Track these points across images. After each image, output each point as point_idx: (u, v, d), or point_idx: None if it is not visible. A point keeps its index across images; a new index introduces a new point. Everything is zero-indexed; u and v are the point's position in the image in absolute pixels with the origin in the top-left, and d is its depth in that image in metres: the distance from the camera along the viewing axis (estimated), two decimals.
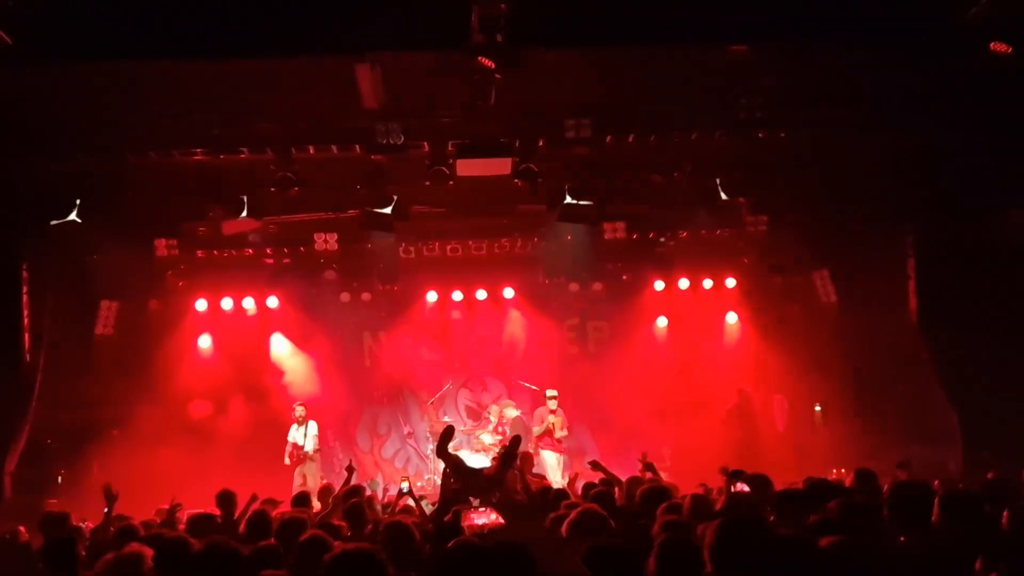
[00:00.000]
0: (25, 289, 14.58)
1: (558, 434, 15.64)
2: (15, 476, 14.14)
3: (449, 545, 4.34)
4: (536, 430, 15.76)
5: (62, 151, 13.16)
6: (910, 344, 15.14)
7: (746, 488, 7.42)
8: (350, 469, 10.43)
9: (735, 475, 7.78)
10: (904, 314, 15.12)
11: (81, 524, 9.69)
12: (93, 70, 11.48)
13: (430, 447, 16.70)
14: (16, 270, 14.46)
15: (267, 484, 14.87)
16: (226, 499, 9.20)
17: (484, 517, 5.13)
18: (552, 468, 15.20)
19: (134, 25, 10.22)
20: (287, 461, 15.41)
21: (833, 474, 14.27)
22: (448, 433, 9.66)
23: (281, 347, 17.58)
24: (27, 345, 14.56)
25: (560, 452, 15.74)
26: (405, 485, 9.93)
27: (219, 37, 10.52)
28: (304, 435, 15.45)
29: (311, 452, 15.43)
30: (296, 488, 14.15)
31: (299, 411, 15.67)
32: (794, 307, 17.58)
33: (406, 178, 14.28)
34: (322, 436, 17.59)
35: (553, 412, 15.74)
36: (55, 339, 15.03)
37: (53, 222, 13.71)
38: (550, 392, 15.86)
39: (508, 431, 16.47)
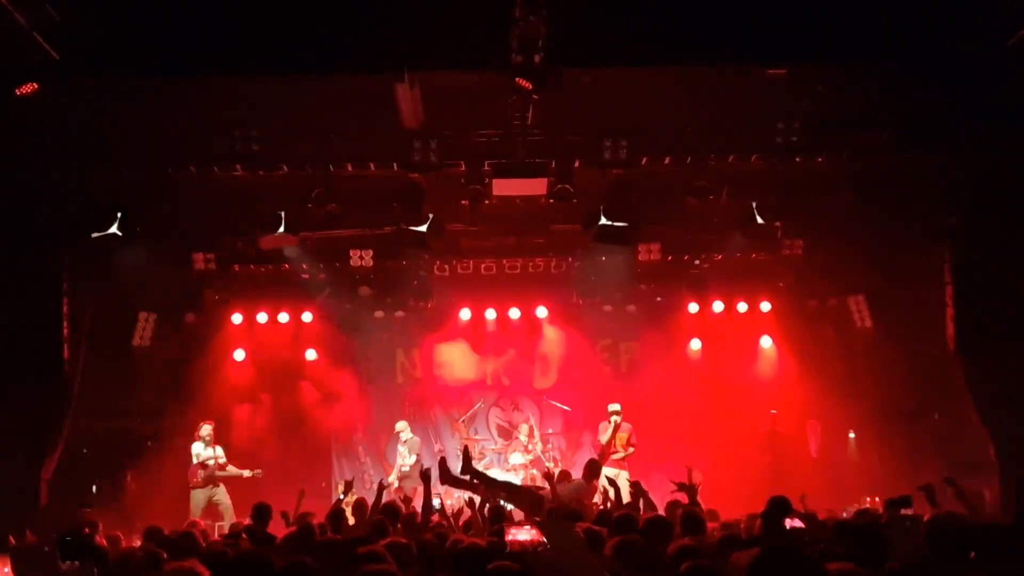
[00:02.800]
0: (65, 300, 14.77)
1: (618, 453, 15.03)
2: (51, 484, 14.28)
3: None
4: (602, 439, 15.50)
5: (104, 165, 13.35)
6: (947, 372, 14.95)
7: (801, 524, 7.21)
8: (381, 487, 10.45)
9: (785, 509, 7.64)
10: (941, 342, 14.92)
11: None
12: (136, 85, 11.65)
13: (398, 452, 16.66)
14: (57, 281, 14.65)
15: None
16: (261, 512, 9.26)
17: (526, 533, 5.13)
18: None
19: (176, 41, 10.39)
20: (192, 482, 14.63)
21: (867, 502, 14.14)
22: (467, 453, 9.62)
23: (315, 362, 17.68)
24: (66, 355, 14.73)
25: (617, 468, 14.80)
26: (436, 502, 9.93)
27: (261, 55, 10.67)
28: (213, 456, 14.70)
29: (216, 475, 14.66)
30: (198, 510, 13.98)
31: (206, 430, 14.87)
32: (829, 332, 17.46)
33: (442, 196, 14.35)
34: (353, 450, 17.73)
35: (617, 428, 15.17)
36: (93, 350, 15.21)
37: (94, 234, 13.89)
38: (611, 407, 15.29)
39: (538, 450, 16.43)
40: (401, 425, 16.39)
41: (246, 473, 14.72)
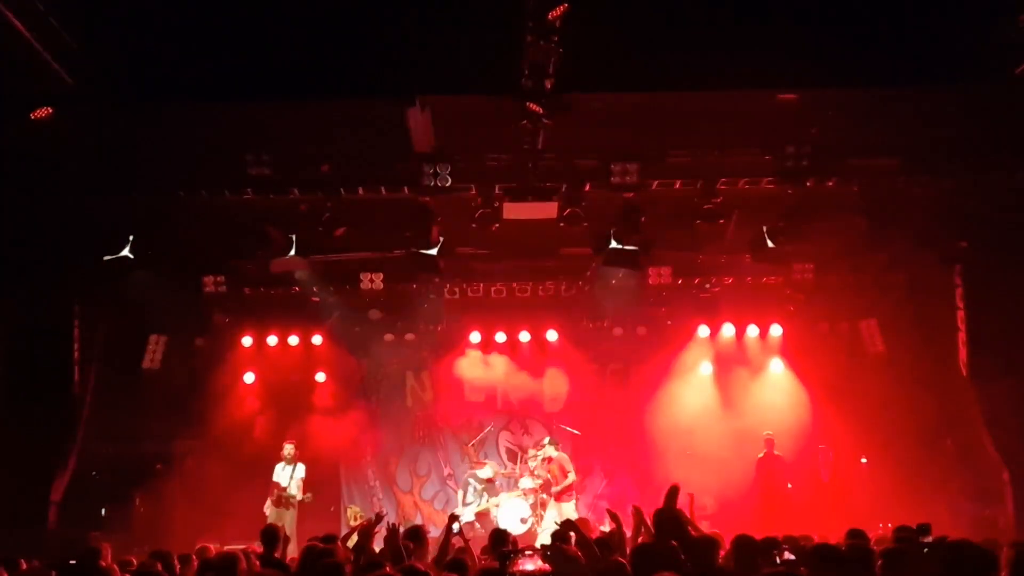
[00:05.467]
0: (76, 323, 14.81)
1: (555, 488, 15.60)
2: (60, 507, 14.28)
3: None
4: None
5: (116, 188, 13.40)
6: (959, 397, 14.87)
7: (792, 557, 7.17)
8: (378, 517, 10.10)
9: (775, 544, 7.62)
10: (954, 366, 14.86)
11: None
12: (149, 110, 11.72)
13: (471, 490, 16.65)
14: (69, 304, 14.70)
15: (308, 518, 15.02)
16: (270, 535, 9.21)
17: (531, 563, 5.13)
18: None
19: (188, 67, 10.45)
20: (267, 505, 14.95)
21: (879, 528, 14.03)
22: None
23: (325, 385, 17.66)
24: (76, 378, 14.76)
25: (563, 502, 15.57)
26: (456, 526, 9.77)
27: (271, 80, 10.72)
28: (290, 477, 15.03)
29: (294, 498, 14.98)
30: None
31: (288, 449, 15.24)
32: (840, 356, 17.38)
33: (453, 220, 14.37)
34: (362, 474, 17.68)
35: (548, 460, 15.75)
36: (103, 372, 15.23)
37: (106, 258, 13.95)
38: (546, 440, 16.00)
39: (549, 476, 16.39)
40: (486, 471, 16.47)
41: (299, 496, 15.08)
